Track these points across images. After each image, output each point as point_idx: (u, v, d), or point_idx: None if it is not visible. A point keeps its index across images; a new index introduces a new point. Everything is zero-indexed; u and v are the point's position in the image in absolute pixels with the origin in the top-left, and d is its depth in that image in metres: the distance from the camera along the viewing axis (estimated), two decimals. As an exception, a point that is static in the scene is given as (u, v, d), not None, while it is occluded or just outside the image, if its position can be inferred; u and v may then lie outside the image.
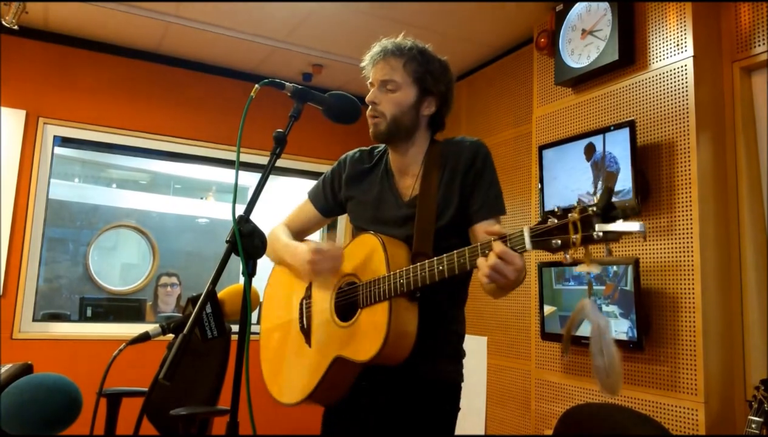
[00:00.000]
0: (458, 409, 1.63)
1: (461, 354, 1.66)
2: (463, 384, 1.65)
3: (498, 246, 1.25)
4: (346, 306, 1.57)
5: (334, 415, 1.69)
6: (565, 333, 1.32)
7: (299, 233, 1.84)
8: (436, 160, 1.62)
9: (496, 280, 1.26)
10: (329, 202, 1.81)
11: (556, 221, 1.15)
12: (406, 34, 1.68)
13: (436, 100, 1.64)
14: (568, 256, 1.15)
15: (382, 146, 1.77)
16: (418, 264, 1.41)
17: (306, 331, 1.67)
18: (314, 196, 1.84)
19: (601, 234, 1.08)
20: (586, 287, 2.78)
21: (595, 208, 1.10)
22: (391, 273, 1.45)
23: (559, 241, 1.14)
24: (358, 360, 1.47)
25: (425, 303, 1.49)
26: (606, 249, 1.10)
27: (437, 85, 1.62)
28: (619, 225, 1.07)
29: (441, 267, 1.36)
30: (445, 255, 1.37)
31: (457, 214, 1.58)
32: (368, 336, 1.46)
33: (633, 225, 1.06)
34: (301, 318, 1.71)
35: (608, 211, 1.08)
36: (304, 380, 1.61)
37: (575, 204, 1.14)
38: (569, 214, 1.13)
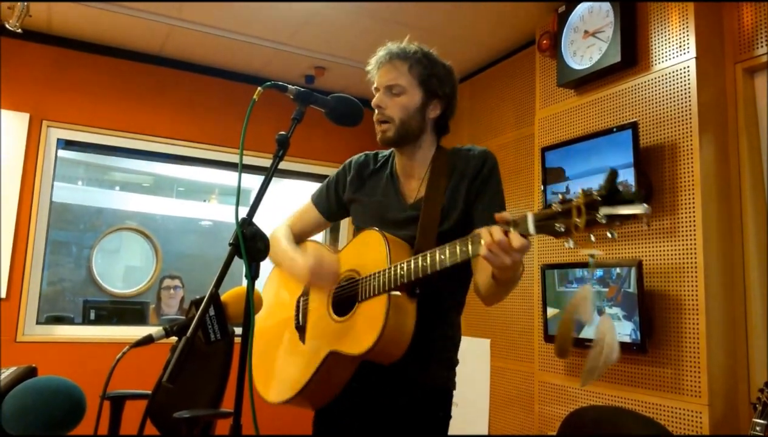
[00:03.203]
0: (450, 417, 1.61)
1: (455, 361, 1.65)
2: (455, 392, 1.64)
3: (501, 227, 1.25)
4: (344, 301, 1.58)
5: (325, 418, 1.68)
6: (563, 332, 1.28)
7: (301, 235, 1.84)
8: (444, 166, 1.63)
9: (495, 261, 1.24)
10: (332, 206, 1.82)
11: (560, 206, 1.15)
12: (409, 36, 1.68)
13: (441, 103, 1.65)
14: (571, 242, 1.15)
15: (387, 150, 1.77)
16: (420, 255, 1.41)
17: (301, 328, 1.68)
18: (318, 200, 1.85)
19: (604, 217, 1.07)
20: (589, 289, 2.78)
21: (599, 192, 1.09)
22: (392, 265, 1.45)
23: (563, 226, 1.13)
24: (352, 353, 1.46)
25: (423, 306, 1.49)
26: (610, 233, 1.10)
27: (442, 87, 1.63)
28: (623, 208, 1.06)
29: (443, 256, 1.35)
30: (447, 244, 1.36)
31: (461, 218, 1.58)
32: (364, 329, 1.46)
33: (637, 208, 1.05)
34: (297, 315, 1.71)
35: (612, 195, 1.08)
36: (296, 376, 1.59)
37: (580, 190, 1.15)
38: (574, 199, 1.12)
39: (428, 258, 1.38)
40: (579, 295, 1.29)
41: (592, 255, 1.16)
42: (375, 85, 1.66)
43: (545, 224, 1.17)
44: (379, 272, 1.48)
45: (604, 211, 1.08)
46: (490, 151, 1.64)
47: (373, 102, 1.63)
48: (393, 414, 1.55)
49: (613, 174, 1.10)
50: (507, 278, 1.36)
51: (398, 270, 1.43)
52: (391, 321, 1.41)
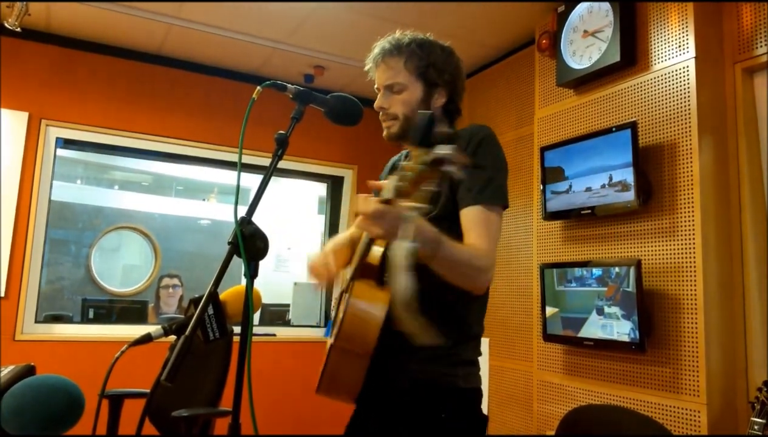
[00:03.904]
0: (465, 420, 1.51)
1: (463, 357, 1.56)
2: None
3: (362, 196, 1.23)
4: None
5: (353, 414, 1.67)
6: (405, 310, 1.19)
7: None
8: None
9: (366, 230, 1.22)
10: None
11: (403, 164, 1.11)
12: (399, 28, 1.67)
13: (445, 89, 1.60)
14: (408, 203, 1.11)
15: None
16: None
17: (334, 321, 1.68)
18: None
19: (426, 166, 1.03)
20: (589, 288, 2.78)
21: (415, 139, 1.05)
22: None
23: (407, 184, 1.10)
24: (332, 343, 1.44)
25: (426, 300, 1.47)
26: (432, 184, 1.06)
27: (442, 75, 1.59)
28: (436, 152, 1.01)
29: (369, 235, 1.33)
30: None
31: (449, 201, 1.50)
32: (340, 316, 1.45)
33: (442, 149, 1.00)
34: (337, 309, 1.72)
35: (426, 139, 1.04)
36: (322, 369, 1.61)
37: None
38: (406, 160, 1.08)
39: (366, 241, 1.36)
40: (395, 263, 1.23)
41: (416, 209, 1.11)
42: (376, 86, 1.64)
43: (399, 186, 1.12)
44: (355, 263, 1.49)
45: (423, 158, 1.03)
46: (484, 127, 1.55)
47: (376, 104, 1.61)
48: (395, 416, 1.51)
49: (424, 117, 1.05)
50: (421, 254, 1.28)
51: (357, 258, 1.42)
52: (351, 308, 1.38)
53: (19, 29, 3.29)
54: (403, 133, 1.59)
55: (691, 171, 2.50)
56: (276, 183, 5.46)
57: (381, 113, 1.62)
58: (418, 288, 1.47)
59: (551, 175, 3.09)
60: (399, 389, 1.51)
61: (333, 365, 1.53)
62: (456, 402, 1.51)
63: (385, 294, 1.39)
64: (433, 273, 1.44)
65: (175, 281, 5.08)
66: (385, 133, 1.63)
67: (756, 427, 2.03)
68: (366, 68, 1.67)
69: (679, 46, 2.61)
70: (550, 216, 3.10)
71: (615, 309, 2.63)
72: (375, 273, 1.42)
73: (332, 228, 4.78)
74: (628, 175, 2.64)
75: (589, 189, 2.84)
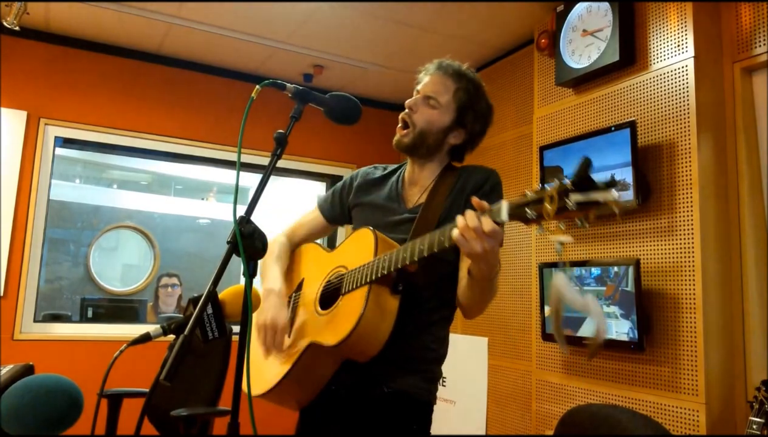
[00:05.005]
0: (427, 433, 1.60)
1: (436, 375, 1.63)
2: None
3: (475, 212, 1.26)
4: (331, 295, 1.58)
5: (307, 420, 1.68)
6: (555, 328, 1.31)
7: (304, 239, 1.88)
8: (450, 179, 1.65)
9: (465, 246, 1.25)
10: (336, 210, 1.84)
11: (534, 194, 1.16)
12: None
13: (465, 134, 1.67)
14: (540, 229, 1.16)
15: (395, 165, 1.81)
16: (401, 247, 1.41)
17: (290, 323, 1.68)
18: (323, 204, 1.88)
19: (575, 204, 1.07)
20: (587, 288, 2.78)
21: (571, 180, 1.10)
22: (376, 258, 1.46)
23: (534, 212, 1.14)
24: (328, 343, 1.45)
25: (409, 317, 1.49)
26: (579, 220, 1.11)
27: (473, 123, 1.66)
28: (592, 195, 1.06)
29: (422, 246, 1.36)
30: (428, 234, 1.37)
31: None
32: (343, 319, 1.45)
33: (605, 194, 1.05)
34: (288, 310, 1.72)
35: (582, 181, 1.08)
36: (277, 369, 1.59)
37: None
38: (548, 188, 1.13)
39: (408, 249, 1.39)
40: (555, 289, 1.31)
41: (561, 243, 1.16)
42: (418, 88, 1.68)
43: (517, 211, 1.17)
44: (363, 265, 1.49)
45: (575, 197, 1.07)
46: (496, 171, 1.66)
47: (407, 101, 1.65)
48: (368, 421, 1.54)
49: (586, 162, 1.09)
50: (481, 273, 1.35)
51: (380, 262, 1.43)
52: (369, 312, 1.41)
53: (17, 28, 3.29)
54: (414, 146, 1.64)
55: (690, 170, 2.50)
56: (275, 182, 5.46)
57: (403, 112, 1.66)
58: (415, 309, 1.50)
59: (550, 175, 3.10)
60: (377, 397, 1.54)
61: (307, 364, 1.53)
62: (425, 415, 1.60)
63: (395, 304, 1.45)
64: (426, 295, 1.54)
65: (174, 280, 5.08)
66: (396, 139, 1.67)
67: (755, 426, 2.03)
68: (420, 68, 1.71)
69: (678, 46, 2.61)
70: (549, 215, 3.09)
71: (614, 309, 2.63)
72: (390, 281, 1.45)
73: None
74: (627, 175, 2.64)
75: (588, 188, 2.84)
